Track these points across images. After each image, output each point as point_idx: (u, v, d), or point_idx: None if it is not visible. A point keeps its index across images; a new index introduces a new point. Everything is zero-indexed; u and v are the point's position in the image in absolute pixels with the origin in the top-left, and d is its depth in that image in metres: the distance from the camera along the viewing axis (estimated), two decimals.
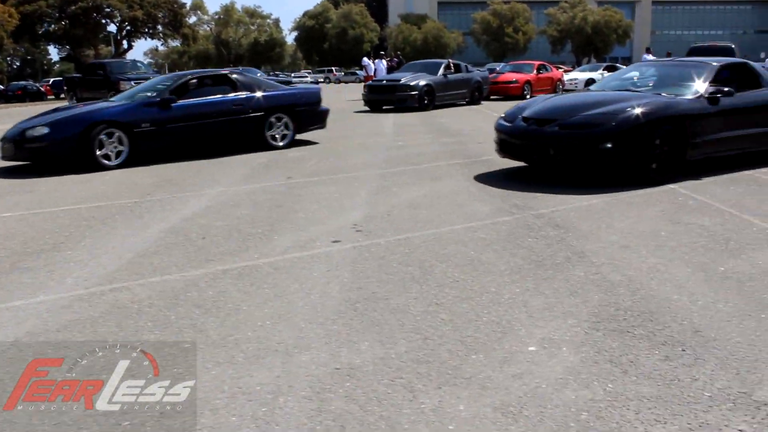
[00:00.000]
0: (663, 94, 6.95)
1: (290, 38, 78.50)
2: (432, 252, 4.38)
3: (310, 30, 72.23)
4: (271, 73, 61.89)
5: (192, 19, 69.60)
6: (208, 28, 73.73)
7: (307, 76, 59.89)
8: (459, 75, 19.33)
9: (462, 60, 23.89)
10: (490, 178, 7.13)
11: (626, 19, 70.30)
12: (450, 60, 20.70)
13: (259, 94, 9.95)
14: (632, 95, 7.00)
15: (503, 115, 7.51)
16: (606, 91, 7.85)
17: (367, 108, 18.58)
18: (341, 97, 25.34)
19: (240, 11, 72.91)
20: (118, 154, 8.58)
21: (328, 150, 10.10)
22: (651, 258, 4.12)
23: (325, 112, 11.07)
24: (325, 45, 71.23)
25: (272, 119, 10.08)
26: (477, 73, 20.81)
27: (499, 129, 7.25)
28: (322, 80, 56.72)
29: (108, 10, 47.64)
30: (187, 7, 66.38)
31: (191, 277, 3.98)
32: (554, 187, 6.37)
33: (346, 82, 54.14)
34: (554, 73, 25.35)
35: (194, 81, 9.77)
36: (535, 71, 23.73)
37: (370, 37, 70.85)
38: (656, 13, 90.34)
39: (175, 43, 62.94)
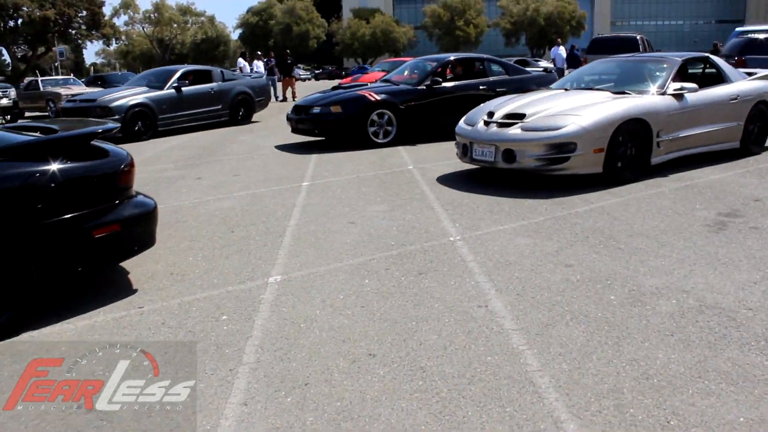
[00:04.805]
0: None
1: (235, 35, 74.62)
2: None
3: (254, 27, 68.49)
4: None
5: (122, 18, 65.70)
6: (141, 28, 69.39)
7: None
8: (203, 87, 14.76)
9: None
10: None
11: (581, 10, 67.50)
12: (199, 67, 16.08)
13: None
14: None
15: None
16: None
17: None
18: None
19: (173, 8, 68.59)
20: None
21: None
22: None
23: None
24: (270, 42, 67.50)
25: None
26: (241, 82, 15.94)
27: None
28: None
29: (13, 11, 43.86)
30: (117, 6, 62.66)
31: None
32: None
33: None
34: None
35: None
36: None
37: (316, 33, 67.36)
38: (616, 3, 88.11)
39: (95, 45, 59.19)
